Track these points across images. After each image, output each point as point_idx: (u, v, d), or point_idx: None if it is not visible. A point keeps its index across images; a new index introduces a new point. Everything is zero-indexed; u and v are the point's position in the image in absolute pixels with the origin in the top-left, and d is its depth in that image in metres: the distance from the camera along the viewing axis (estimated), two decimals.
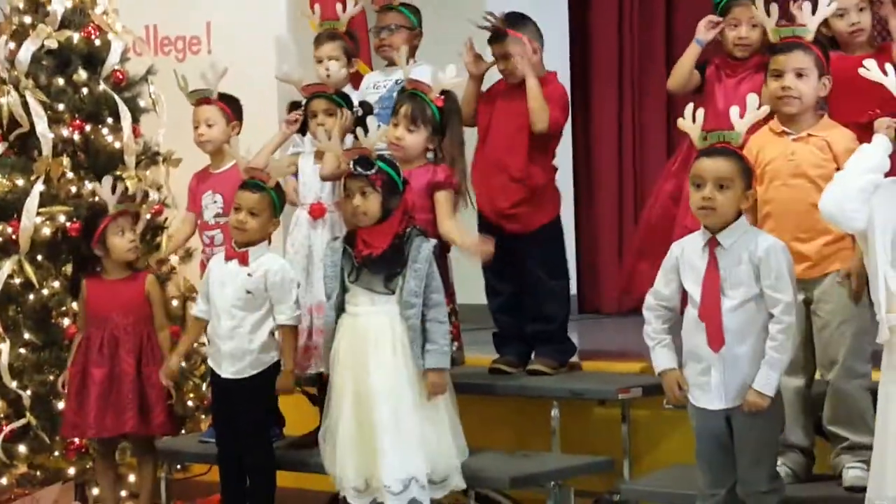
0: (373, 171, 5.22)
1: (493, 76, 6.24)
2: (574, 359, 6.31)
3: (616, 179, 8.62)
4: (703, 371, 4.66)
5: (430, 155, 5.67)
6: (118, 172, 6.72)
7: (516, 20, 6.08)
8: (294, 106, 6.04)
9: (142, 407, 6.08)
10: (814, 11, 5.14)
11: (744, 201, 4.65)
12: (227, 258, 5.69)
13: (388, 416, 5.15)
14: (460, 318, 5.72)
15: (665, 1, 8.57)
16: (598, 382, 6.04)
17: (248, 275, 5.61)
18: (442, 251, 5.53)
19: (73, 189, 6.63)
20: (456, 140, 5.72)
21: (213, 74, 6.21)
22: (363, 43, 6.96)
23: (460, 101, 5.85)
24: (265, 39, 7.53)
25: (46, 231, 6.57)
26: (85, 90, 6.80)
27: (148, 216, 6.69)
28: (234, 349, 5.63)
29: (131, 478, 6.47)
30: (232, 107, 6.27)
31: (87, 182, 6.65)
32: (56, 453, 6.51)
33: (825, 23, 5.30)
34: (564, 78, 7.76)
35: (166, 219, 6.90)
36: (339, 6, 6.50)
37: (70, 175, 6.69)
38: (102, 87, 6.84)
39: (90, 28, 6.89)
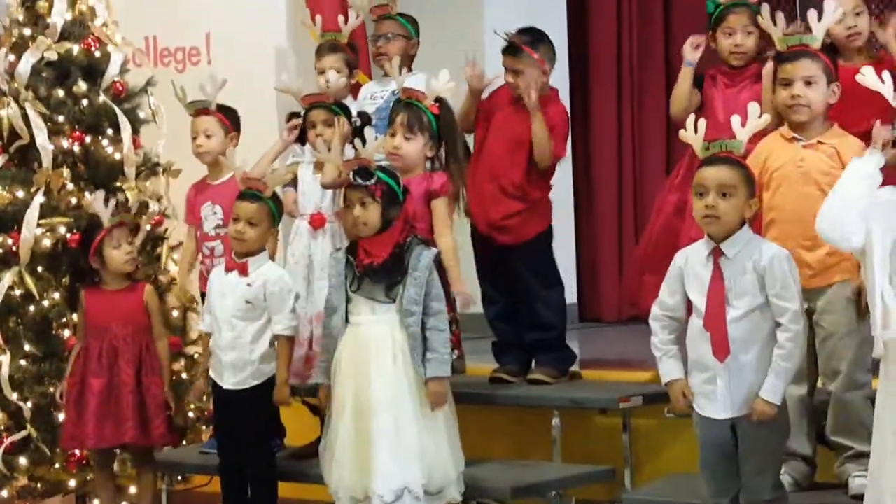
0: (372, 181, 5.22)
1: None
2: (574, 367, 6.31)
3: (616, 188, 8.61)
4: (709, 380, 4.66)
5: (428, 164, 5.68)
6: (118, 183, 6.73)
7: (534, 38, 6.07)
8: (293, 116, 6.05)
9: (141, 417, 6.07)
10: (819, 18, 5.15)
11: (747, 210, 4.65)
12: (227, 269, 5.69)
13: (388, 424, 5.15)
14: (461, 327, 5.72)
15: (663, 1, 8.56)
16: (598, 391, 6.04)
17: (248, 285, 5.62)
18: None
19: (74, 200, 6.63)
20: (455, 146, 5.74)
21: (211, 85, 6.21)
22: (363, 54, 6.98)
23: (457, 112, 5.86)
24: (265, 50, 7.54)
25: (47, 242, 6.57)
26: (85, 102, 6.80)
27: (148, 227, 6.68)
28: (236, 360, 5.63)
29: (132, 489, 6.46)
30: (230, 118, 6.27)
31: (87, 193, 6.65)
32: (56, 465, 6.50)
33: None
34: (563, 82, 7.79)
35: (166, 229, 6.91)
36: (340, 17, 6.52)
37: (70, 186, 6.69)
38: (102, 98, 6.84)
39: (90, 40, 6.90)
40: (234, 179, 5.85)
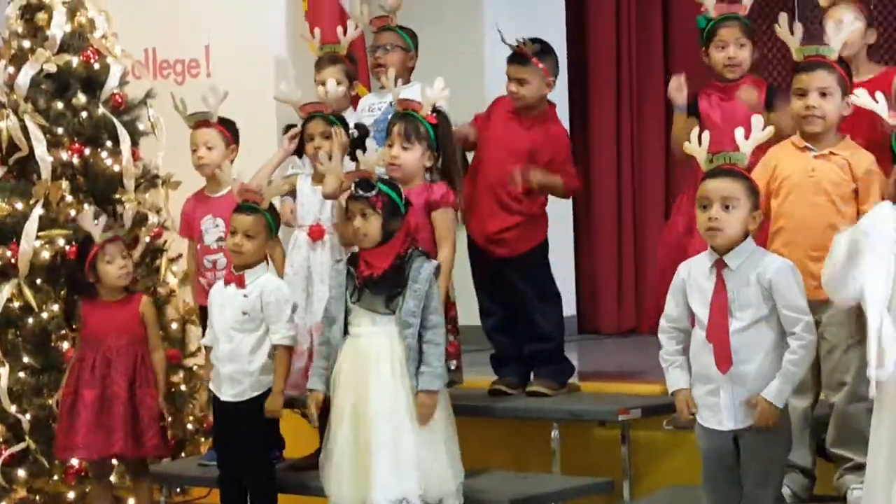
0: (373, 192, 5.23)
1: (489, 93, 6.22)
2: (573, 379, 6.31)
3: (615, 199, 8.60)
4: (712, 392, 4.66)
5: (427, 176, 5.68)
6: (117, 196, 6.73)
7: (540, 50, 6.08)
8: (290, 128, 6.05)
9: (134, 429, 6.04)
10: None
11: (751, 222, 4.66)
12: (226, 282, 5.70)
13: (387, 435, 5.15)
14: (460, 339, 5.72)
15: (661, 9, 8.55)
16: (597, 403, 6.04)
17: (245, 296, 5.62)
18: None
19: (73, 213, 6.63)
20: (453, 156, 5.75)
21: (213, 97, 6.21)
22: (362, 65, 6.99)
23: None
24: (264, 63, 7.55)
25: (45, 255, 6.57)
26: (84, 114, 6.81)
27: (147, 239, 6.69)
28: (234, 372, 5.63)
29: (130, 501, 6.45)
30: (230, 130, 6.26)
31: (86, 206, 6.65)
32: (55, 477, 6.50)
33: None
34: (562, 91, 7.81)
35: (165, 241, 6.91)
36: (339, 29, 6.53)
37: (69, 199, 6.70)
38: (101, 110, 6.85)
39: (89, 52, 6.91)
40: None
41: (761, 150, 4.97)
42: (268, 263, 5.77)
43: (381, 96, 6.38)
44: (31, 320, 6.55)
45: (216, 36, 7.72)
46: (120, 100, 6.94)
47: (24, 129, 6.68)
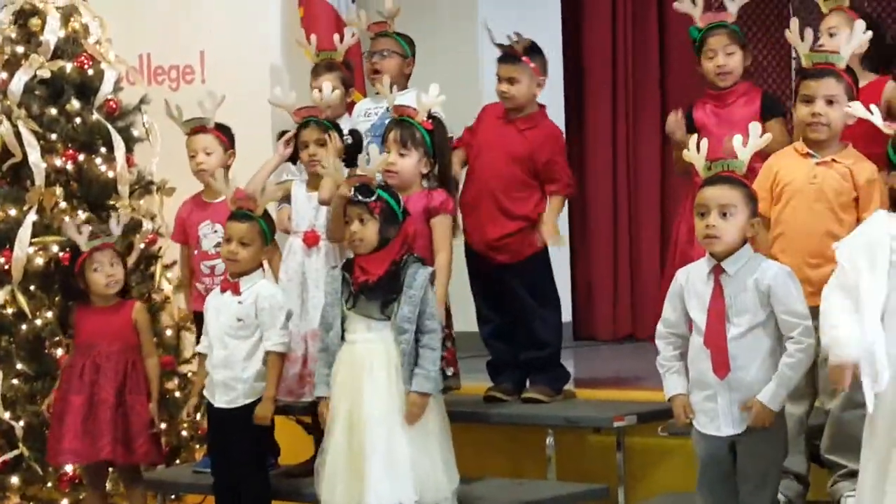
0: (373, 198, 5.22)
1: (485, 98, 6.21)
2: (569, 386, 6.30)
3: (611, 205, 8.58)
4: (709, 398, 4.65)
5: (425, 183, 5.67)
6: (111, 202, 6.72)
7: (530, 48, 6.08)
8: (284, 134, 6.03)
9: (125, 435, 6.01)
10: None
11: (749, 229, 4.65)
12: (222, 290, 5.68)
13: (381, 440, 5.14)
14: (456, 345, 5.71)
15: (657, 11, 8.55)
16: (593, 410, 6.03)
17: (239, 302, 5.60)
18: None
19: (66, 219, 6.61)
20: (450, 162, 5.75)
21: (210, 102, 6.19)
22: (359, 71, 6.98)
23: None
24: (259, 69, 7.53)
25: (39, 261, 6.57)
26: (78, 120, 6.81)
27: (142, 246, 6.67)
28: (227, 378, 5.62)
29: None
30: (227, 135, 6.24)
31: (80, 212, 6.65)
32: (49, 484, 6.49)
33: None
34: (558, 90, 7.81)
35: (160, 248, 6.90)
36: (335, 36, 6.52)
37: (63, 205, 6.69)
38: (96, 116, 6.85)
39: (83, 58, 6.90)
40: None
41: (758, 156, 4.98)
42: (264, 270, 5.76)
43: (378, 101, 6.36)
44: (24, 327, 6.54)
45: (211, 42, 7.71)
46: (114, 106, 6.94)
47: (18, 135, 6.68)
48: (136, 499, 6.24)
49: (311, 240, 5.78)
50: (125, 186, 6.81)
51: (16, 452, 6.45)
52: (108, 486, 6.44)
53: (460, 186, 6.06)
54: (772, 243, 5.01)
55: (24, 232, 6.54)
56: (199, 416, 6.30)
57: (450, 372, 5.58)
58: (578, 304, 8.52)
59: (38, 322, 6.53)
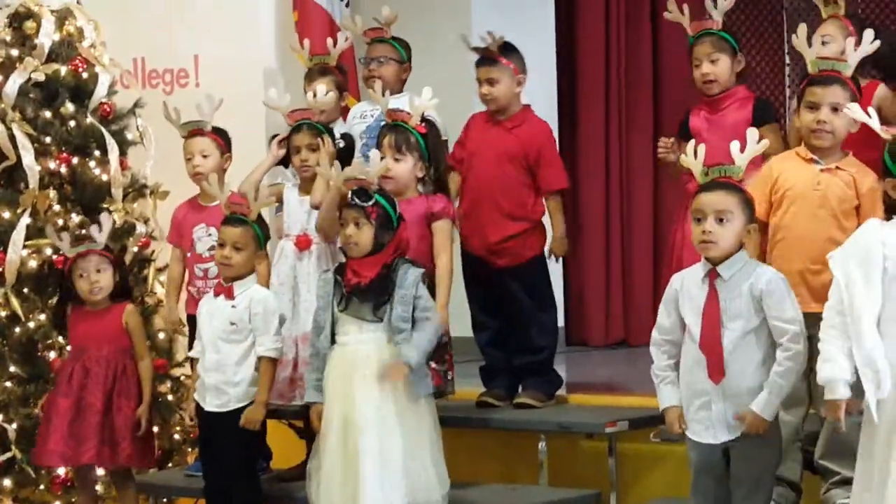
0: (370, 202, 5.23)
1: (478, 102, 6.21)
2: (561, 392, 6.30)
3: (603, 210, 8.58)
4: (704, 405, 4.65)
5: (420, 187, 5.68)
6: (105, 205, 6.72)
7: (506, 49, 6.09)
8: (275, 138, 6.04)
9: (111, 438, 5.98)
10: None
11: (745, 235, 4.66)
12: (216, 294, 5.68)
13: (373, 444, 5.15)
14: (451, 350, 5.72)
15: (650, 14, 8.56)
16: (585, 415, 6.03)
17: (233, 306, 5.60)
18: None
19: (60, 222, 6.62)
20: (444, 167, 5.75)
21: (208, 105, 6.19)
22: (352, 75, 6.98)
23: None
24: (253, 73, 7.53)
25: (33, 264, 6.57)
26: (72, 123, 6.80)
27: (135, 249, 6.67)
28: (219, 382, 5.61)
29: None
30: (223, 139, 6.24)
31: (73, 215, 6.64)
32: (41, 487, 6.48)
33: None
34: (551, 91, 7.80)
35: (153, 251, 6.90)
36: (329, 41, 6.52)
37: (57, 208, 6.69)
38: (90, 119, 6.84)
39: (77, 61, 6.90)
40: None
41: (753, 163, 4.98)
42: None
43: (374, 103, 6.36)
44: (17, 329, 6.54)
45: (205, 45, 7.70)
46: (108, 109, 6.93)
47: (12, 137, 6.68)
48: (127, 501, 6.23)
49: (302, 243, 5.79)
50: (119, 190, 6.80)
51: (8, 455, 6.44)
52: (101, 488, 6.43)
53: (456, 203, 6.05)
54: (771, 249, 5.01)
55: (18, 235, 6.54)
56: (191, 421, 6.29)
57: (449, 376, 5.59)
58: (571, 310, 8.52)
59: (32, 325, 6.52)
